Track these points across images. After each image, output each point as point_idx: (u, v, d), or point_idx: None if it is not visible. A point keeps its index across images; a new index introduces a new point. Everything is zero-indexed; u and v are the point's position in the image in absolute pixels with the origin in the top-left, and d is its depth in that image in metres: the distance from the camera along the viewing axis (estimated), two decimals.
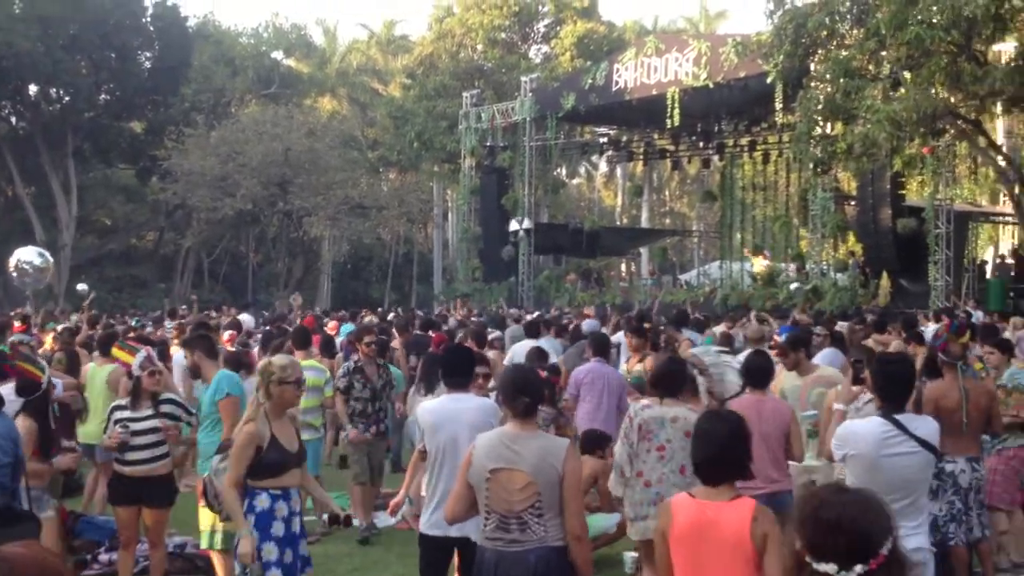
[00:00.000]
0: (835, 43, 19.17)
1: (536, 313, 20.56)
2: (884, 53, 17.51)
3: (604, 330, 13.03)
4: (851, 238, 27.52)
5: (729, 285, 28.00)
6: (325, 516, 8.18)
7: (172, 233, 44.89)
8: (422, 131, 39.86)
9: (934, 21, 15.70)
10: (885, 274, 22.17)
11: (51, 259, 22.31)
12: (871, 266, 23.40)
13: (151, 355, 6.86)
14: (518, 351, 10.80)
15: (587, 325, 14.75)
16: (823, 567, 2.68)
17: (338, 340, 14.58)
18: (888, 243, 22.48)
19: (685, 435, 5.89)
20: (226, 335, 12.68)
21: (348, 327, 16.28)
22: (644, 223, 45.96)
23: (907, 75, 17.03)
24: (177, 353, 10.61)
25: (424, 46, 46.48)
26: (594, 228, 33.15)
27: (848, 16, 19.03)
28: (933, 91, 16.43)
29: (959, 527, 6.74)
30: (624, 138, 35.36)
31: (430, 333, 13.36)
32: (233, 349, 10.59)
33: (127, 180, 45.02)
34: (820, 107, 18.70)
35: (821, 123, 19.49)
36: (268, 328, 14.72)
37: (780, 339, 8.57)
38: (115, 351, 7.66)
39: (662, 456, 5.96)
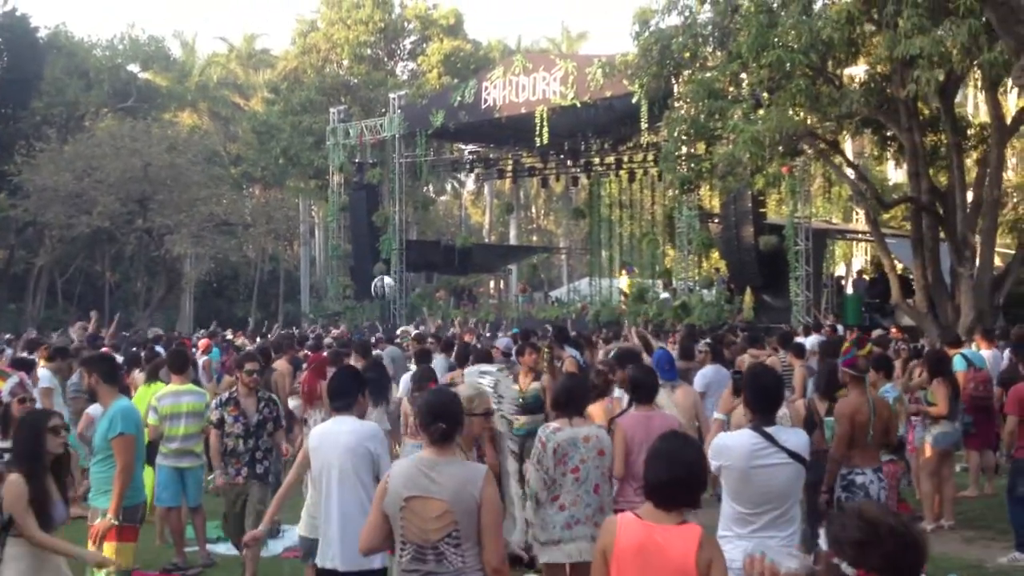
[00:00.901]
0: (698, 65, 19.73)
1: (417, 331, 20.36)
2: (745, 75, 18.08)
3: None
4: (714, 255, 28.34)
5: (600, 301, 28.43)
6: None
7: (23, 251, 42.80)
8: (288, 147, 39.30)
9: (793, 45, 16.32)
10: (749, 290, 22.85)
11: None
12: (735, 282, 24.10)
13: (24, 381, 6.50)
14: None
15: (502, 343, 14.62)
16: None
17: (203, 361, 14.21)
18: (751, 259, 23.22)
19: (599, 454, 5.92)
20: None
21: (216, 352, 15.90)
22: (512, 240, 46.35)
23: (767, 96, 17.63)
24: (43, 371, 10.09)
25: (288, 60, 45.88)
26: (466, 245, 33.23)
27: (711, 39, 19.61)
28: (792, 112, 17.05)
29: None
30: (493, 155, 35.59)
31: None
32: None
33: None
34: (685, 127, 19.16)
35: (686, 143, 19.98)
36: (134, 350, 14.09)
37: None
38: None
39: (577, 478, 5.89)
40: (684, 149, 20.12)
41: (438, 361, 11.68)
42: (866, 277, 26.34)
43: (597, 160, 32.84)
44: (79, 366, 8.24)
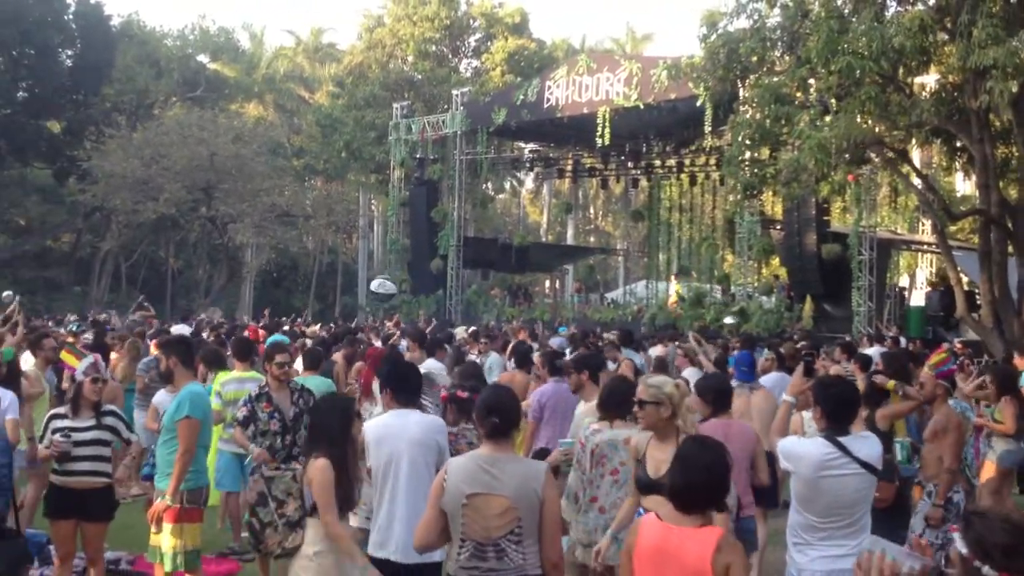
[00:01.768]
0: (766, 69, 19.52)
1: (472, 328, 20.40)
2: (813, 81, 17.86)
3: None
4: (774, 262, 28.04)
5: (656, 305, 28.29)
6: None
7: (90, 236, 43.75)
8: (351, 140, 39.63)
9: (863, 51, 16.08)
10: (809, 298, 22.57)
11: None
12: (795, 290, 23.84)
13: (98, 362, 6.65)
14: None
15: (556, 343, 14.41)
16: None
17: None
18: (813, 268, 22.94)
19: None
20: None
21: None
22: (570, 240, 46.26)
23: (835, 103, 17.39)
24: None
25: (354, 55, 46.22)
26: (523, 244, 33.25)
27: (779, 43, 19.38)
28: (860, 120, 16.80)
29: None
30: (553, 155, 35.58)
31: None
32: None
33: (43, 180, 43.75)
34: (750, 132, 18.98)
35: (750, 147, 19.80)
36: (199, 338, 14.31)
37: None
38: (64, 354, 7.44)
39: (616, 480, 5.85)
40: (748, 154, 19.91)
41: (494, 359, 11.68)
42: (939, 289, 25.86)
43: (658, 162, 32.68)
44: (159, 349, 8.25)
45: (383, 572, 5.08)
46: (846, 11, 17.14)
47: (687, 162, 31.38)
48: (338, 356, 11.97)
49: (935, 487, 7.03)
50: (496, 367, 11.11)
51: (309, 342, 13.77)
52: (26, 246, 42.31)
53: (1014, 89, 14.15)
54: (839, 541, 4.85)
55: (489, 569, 4.23)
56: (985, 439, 9.67)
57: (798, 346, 6.85)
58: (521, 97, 28.88)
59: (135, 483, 9.83)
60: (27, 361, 9.52)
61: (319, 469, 4.77)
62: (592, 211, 59.52)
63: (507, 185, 54.27)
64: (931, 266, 31.59)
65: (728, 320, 22.58)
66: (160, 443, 6.66)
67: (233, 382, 8.83)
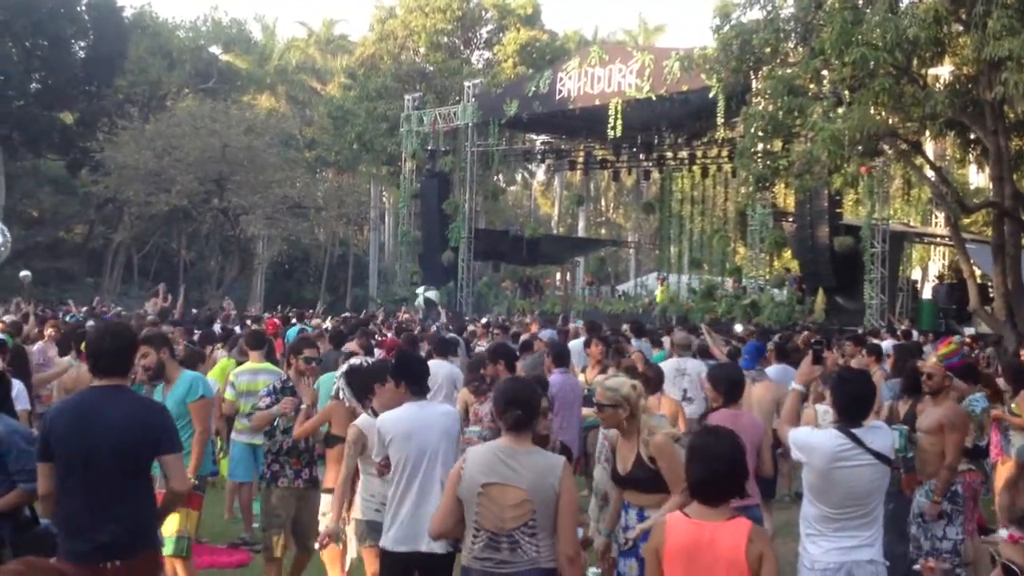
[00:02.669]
0: (779, 60, 19.41)
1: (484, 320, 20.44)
2: (827, 72, 17.76)
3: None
4: (786, 254, 27.96)
5: (668, 297, 28.26)
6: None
7: (102, 227, 43.89)
8: (362, 132, 39.64)
9: (877, 43, 15.97)
10: (821, 291, 22.50)
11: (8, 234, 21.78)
12: (807, 282, 23.77)
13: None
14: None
15: (546, 334, 14.45)
16: None
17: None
18: (825, 260, 22.87)
19: None
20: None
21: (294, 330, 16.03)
22: (581, 232, 46.21)
23: (848, 94, 17.30)
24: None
25: (365, 46, 46.21)
26: (534, 236, 33.23)
27: (793, 34, 19.28)
28: (874, 111, 16.71)
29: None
30: (564, 147, 35.53)
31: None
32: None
33: (56, 171, 43.92)
34: (762, 123, 18.90)
35: (763, 139, 19.71)
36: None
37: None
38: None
39: None
40: (760, 146, 19.81)
41: None
42: (948, 282, 25.77)
43: (670, 154, 32.62)
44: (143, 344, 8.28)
45: (409, 566, 5.11)
46: (860, 2, 17.03)
47: (699, 154, 31.32)
48: (353, 346, 11.98)
49: (933, 484, 6.98)
50: None
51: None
52: (39, 237, 42.49)
53: None
54: (853, 532, 4.85)
55: (502, 561, 4.23)
56: (1002, 432, 9.62)
57: (812, 341, 6.81)
58: (533, 89, 28.84)
59: None
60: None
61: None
62: (604, 203, 59.40)
63: (518, 177, 54.20)
64: (944, 259, 31.45)
65: (738, 328, 22.57)
66: None
67: (246, 373, 8.85)
